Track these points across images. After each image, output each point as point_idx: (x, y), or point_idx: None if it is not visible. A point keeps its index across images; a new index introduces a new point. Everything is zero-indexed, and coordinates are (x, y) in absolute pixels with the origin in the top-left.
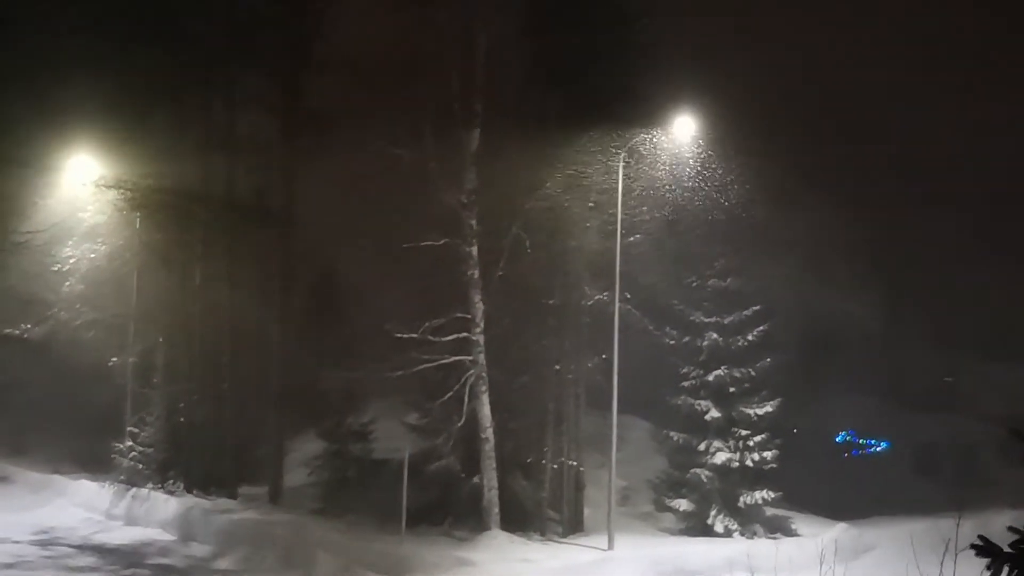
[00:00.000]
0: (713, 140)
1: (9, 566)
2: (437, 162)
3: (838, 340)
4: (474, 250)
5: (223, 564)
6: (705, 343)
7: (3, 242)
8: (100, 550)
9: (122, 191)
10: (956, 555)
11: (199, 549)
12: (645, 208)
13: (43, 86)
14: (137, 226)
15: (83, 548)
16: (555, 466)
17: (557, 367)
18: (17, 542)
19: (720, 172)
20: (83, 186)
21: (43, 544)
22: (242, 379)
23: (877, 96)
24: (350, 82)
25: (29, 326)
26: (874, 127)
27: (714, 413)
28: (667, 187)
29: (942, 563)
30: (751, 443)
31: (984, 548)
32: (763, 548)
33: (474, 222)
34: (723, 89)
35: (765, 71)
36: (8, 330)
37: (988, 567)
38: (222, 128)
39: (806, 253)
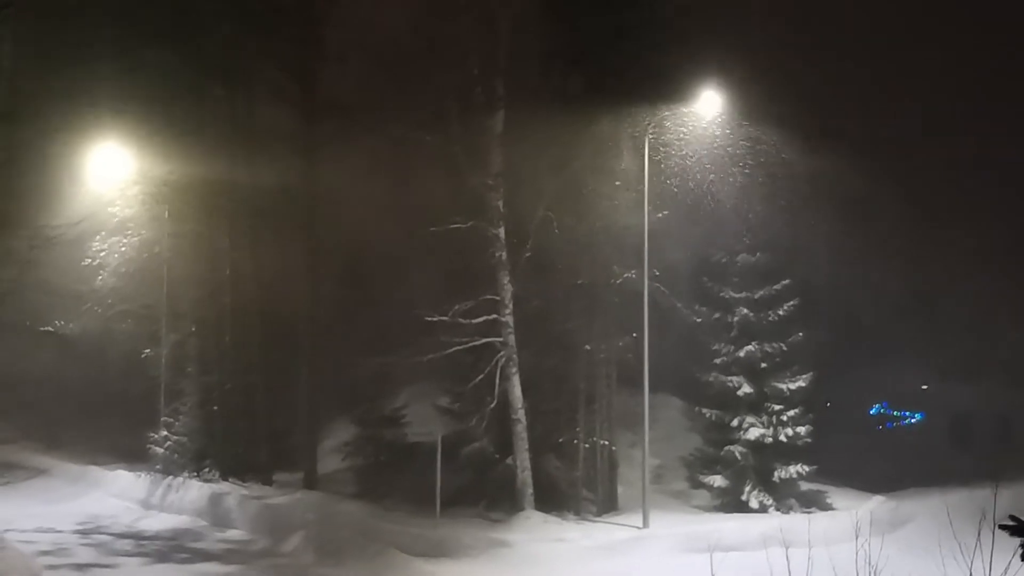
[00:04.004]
0: (740, 114)
1: (49, 553)
2: (461, 145)
3: (870, 312)
4: (501, 232)
5: (258, 549)
6: (736, 319)
7: (35, 238)
8: (139, 538)
9: (150, 183)
10: (994, 526)
11: (236, 535)
12: (672, 184)
13: (67, 80)
14: (166, 218)
15: (122, 536)
16: (588, 446)
17: (587, 347)
18: (60, 531)
19: (747, 146)
20: (111, 180)
21: (83, 533)
22: (274, 367)
23: (912, 65)
24: (371, 68)
25: (63, 322)
26: (908, 97)
27: (746, 389)
28: (694, 163)
29: (979, 533)
30: (784, 418)
31: (1017, 527)
32: (798, 523)
33: (500, 204)
34: (749, 63)
35: (792, 43)
36: (44, 327)
37: (1022, 545)
38: (245, 119)
39: (837, 225)
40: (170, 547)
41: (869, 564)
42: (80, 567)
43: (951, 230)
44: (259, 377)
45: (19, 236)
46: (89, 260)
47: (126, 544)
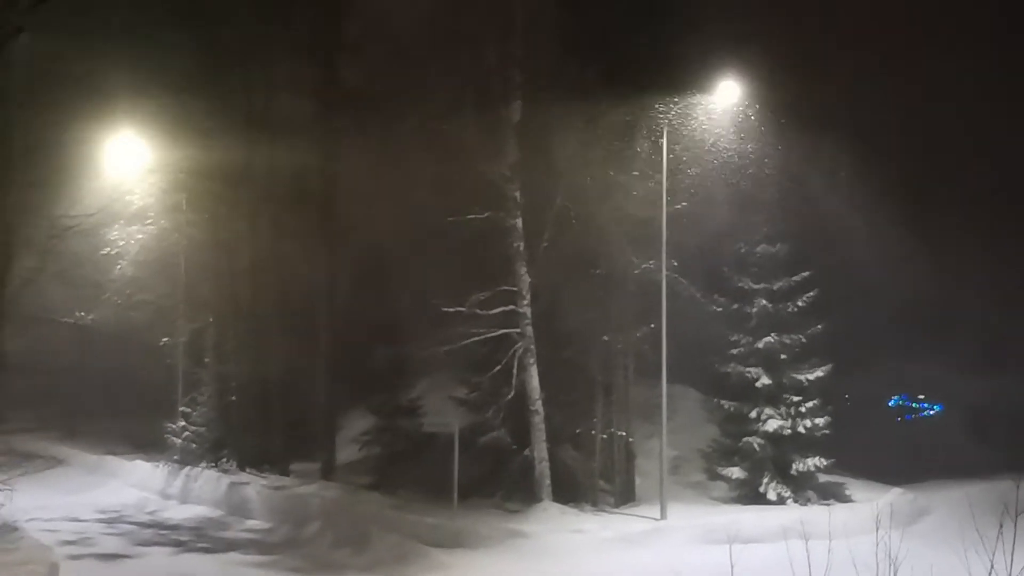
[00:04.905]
0: (759, 103)
1: (69, 543)
2: (478, 135)
3: (889, 304)
4: (518, 222)
5: (277, 539)
6: (754, 310)
7: (53, 227)
8: (157, 528)
9: (167, 173)
10: (1016, 518)
11: (253, 525)
12: (691, 174)
13: (84, 69)
14: (183, 207)
15: (141, 526)
16: (605, 437)
17: (605, 337)
18: (78, 521)
19: (767, 136)
20: (128, 169)
21: (103, 522)
22: (292, 356)
23: (937, 53)
24: (389, 57)
25: (81, 312)
26: (933, 88)
27: (765, 380)
28: (712, 153)
29: (1000, 526)
30: (803, 410)
31: None
32: (817, 515)
33: (517, 194)
34: (768, 52)
35: (812, 32)
36: (63, 317)
37: None
38: (262, 108)
39: (857, 216)
40: (191, 537)
41: (889, 556)
42: (104, 557)
43: (972, 221)
44: (277, 367)
45: (38, 226)
46: (107, 250)
47: (148, 534)
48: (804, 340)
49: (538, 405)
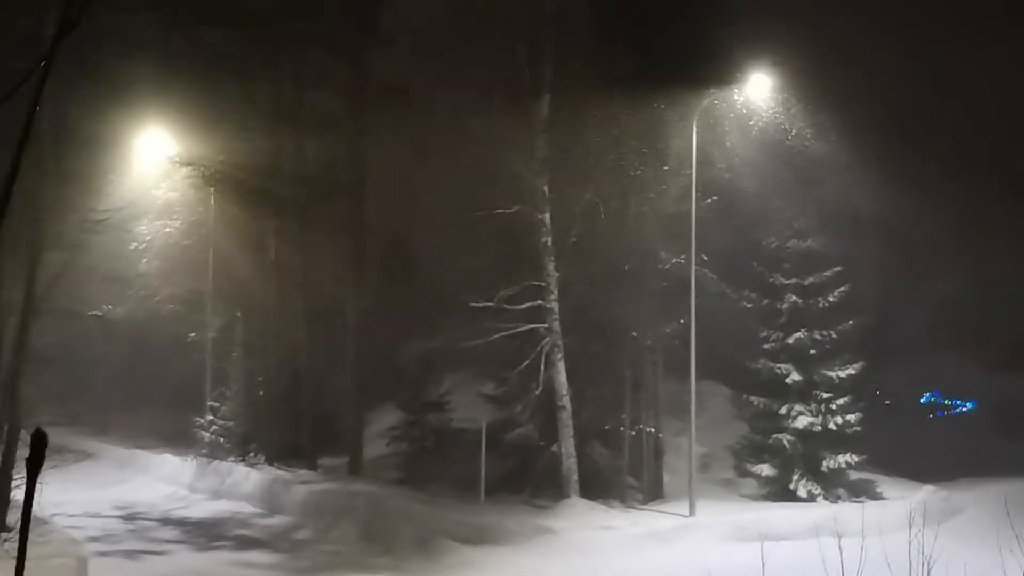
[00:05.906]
0: (790, 97)
1: (96, 539)
2: (507, 130)
3: (921, 300)
4: (547, 217)
5: (305, 535)
6: (785, 305)
7: (83, 222)
8: (184, 523)
9: (196, 167)
10: None
11: (281, 520)
12: (721, 169)
13: (113, 64)
14: (211, 202)
15: (168, 521)
16: (634, 433)
17: (634, 333)
18: (105, 516)
19: (798, 130)
20: (156, 163)
21: (129, 518)
22: (319, 352)
23: (967, 48)
24: (417, 52)
25: (110, 307)
26: (963, 82)
27: (795, 377)
28: (743, 147)
29: None
30: (833, 406)
31: None
32: (848, 512)
33: (546, 189)
34: (799, 45)
35: (844, 24)
36: (92, 312)
37: None
38: (292, 102)
39: (888, 212)
40: (220, 533)
41: (922, 555)
42: (130, 553)
43: (1006, 216)
44: (304, 362)
45: (68, 221)
46: (136, 244)
47: (176, 530)
48: (835, 336)
49: (566, 401)
